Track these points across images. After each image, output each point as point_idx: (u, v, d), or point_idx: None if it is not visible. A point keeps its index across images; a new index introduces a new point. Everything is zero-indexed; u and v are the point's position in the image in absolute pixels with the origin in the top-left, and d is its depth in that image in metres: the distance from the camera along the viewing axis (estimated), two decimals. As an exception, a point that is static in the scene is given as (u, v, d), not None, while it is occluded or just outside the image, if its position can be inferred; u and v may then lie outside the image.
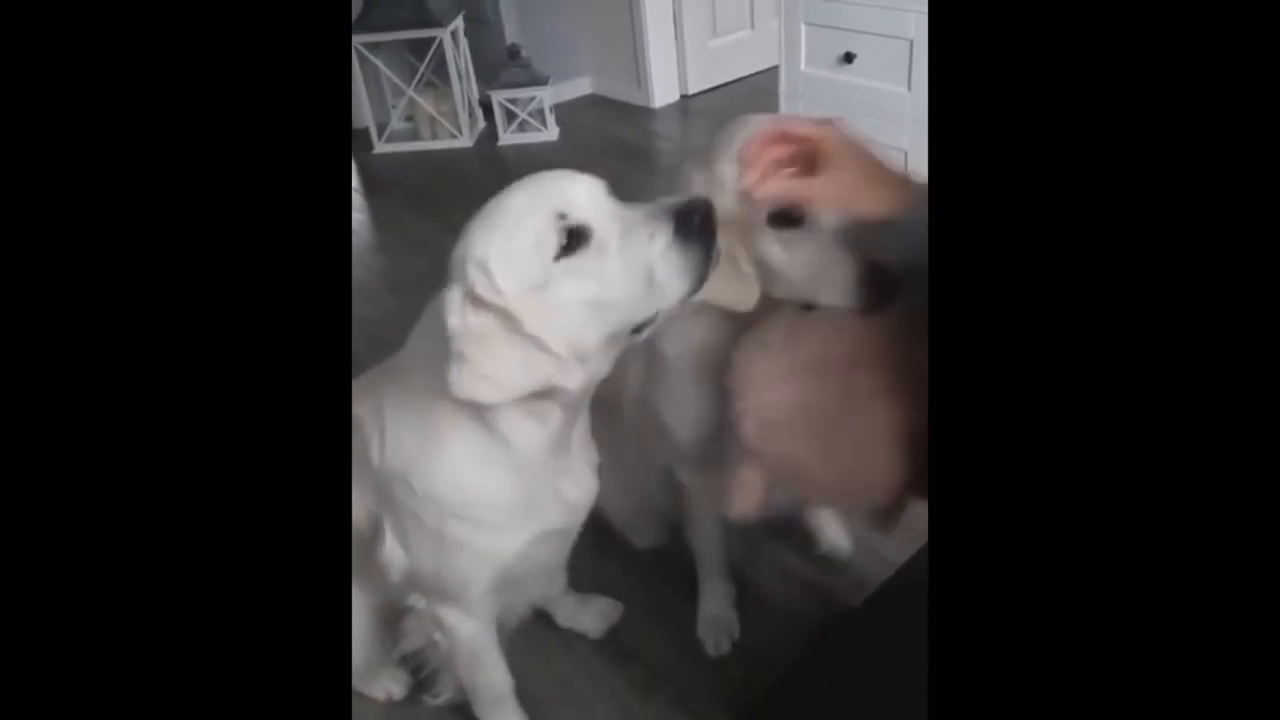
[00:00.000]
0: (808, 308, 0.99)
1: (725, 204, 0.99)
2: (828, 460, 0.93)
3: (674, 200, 0.87)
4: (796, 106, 2.62)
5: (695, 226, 0.85)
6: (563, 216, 0.85)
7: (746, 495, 0.99)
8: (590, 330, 0.87)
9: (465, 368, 0.84)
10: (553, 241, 0.84)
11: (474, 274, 0.85)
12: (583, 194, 0.87)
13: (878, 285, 0.94)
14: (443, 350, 0.86)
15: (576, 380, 0.88)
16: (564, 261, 0.85)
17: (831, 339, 0.95)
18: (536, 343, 0.84)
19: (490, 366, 0.84)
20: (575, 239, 0.85)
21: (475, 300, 0.84)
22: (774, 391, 0.92)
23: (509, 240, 0.85)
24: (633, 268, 0.85)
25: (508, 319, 0.84)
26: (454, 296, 0.85)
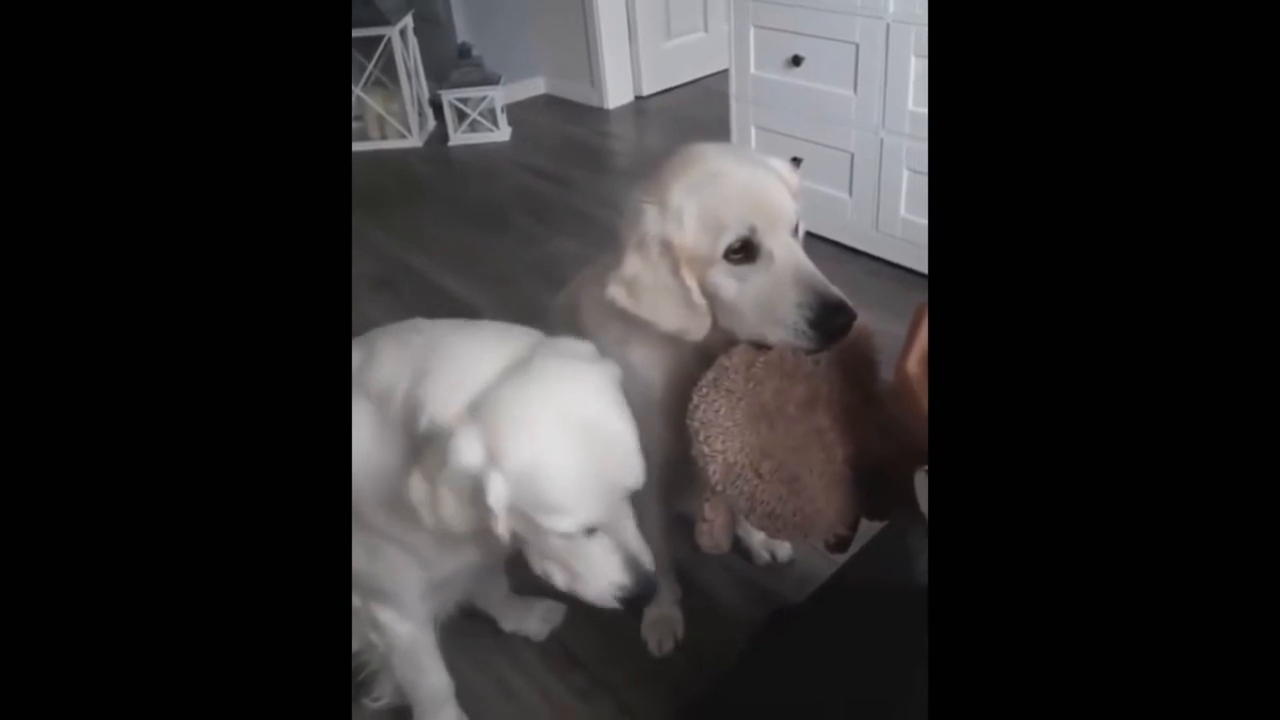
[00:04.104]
0: (760, 347, 1.00)
1: (681, 236, 1.00)
2: (793, 498, 0.95)
3: (641, 562, 0.93)
4: (747, 109, 2.64)
5: (632, 597, 0.93)
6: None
7: (714, 532, 1.02)
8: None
9: (420, 482, 0.89)
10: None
11: (466, 448, 0.85)
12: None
13: (826, 325, 0.95)
14: (399, 388, 0.93)
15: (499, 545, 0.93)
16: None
17: (790, 381, 0.96)
18: (479, 504, 0.87)
19: (437, 498, 0.88)
20: None
21: (452, 469, 0.86)
22: (738, 436, 0.93)
23: (511, 439, 0.85)
24: (569, 560, 0.93)
25: (467, 483, 0.87)
26: (460, 450, 0.85)
